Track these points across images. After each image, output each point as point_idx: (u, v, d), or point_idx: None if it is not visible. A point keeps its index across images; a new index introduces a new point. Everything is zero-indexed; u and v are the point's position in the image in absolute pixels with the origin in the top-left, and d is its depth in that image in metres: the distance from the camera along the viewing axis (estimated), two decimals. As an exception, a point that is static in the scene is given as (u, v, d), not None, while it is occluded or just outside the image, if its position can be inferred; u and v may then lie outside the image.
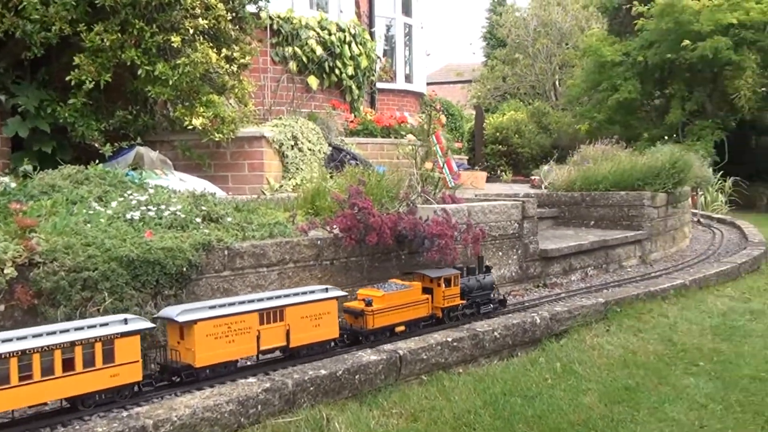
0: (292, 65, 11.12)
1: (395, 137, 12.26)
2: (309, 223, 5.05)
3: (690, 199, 9.90)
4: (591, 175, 8.05)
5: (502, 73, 23.72)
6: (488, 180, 18.13)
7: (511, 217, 6.02)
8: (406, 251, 5.27)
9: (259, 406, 3.44)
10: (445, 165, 12.75)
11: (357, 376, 3.84)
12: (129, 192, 5.25)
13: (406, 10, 16.60)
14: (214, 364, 3.63)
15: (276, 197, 6.74)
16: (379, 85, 15.48)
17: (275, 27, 10.73)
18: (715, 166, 15.64)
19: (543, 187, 9.56)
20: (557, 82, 22.97)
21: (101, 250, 3.91)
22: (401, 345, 4.19)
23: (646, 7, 17.29)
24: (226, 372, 3.71)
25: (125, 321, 3.35)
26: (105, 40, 7.30)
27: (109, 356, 3.22)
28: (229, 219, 4.99)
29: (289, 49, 11.08)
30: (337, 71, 11.62)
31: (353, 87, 12.13)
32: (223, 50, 8.47)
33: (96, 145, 7.75)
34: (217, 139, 8.38)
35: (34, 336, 3.04)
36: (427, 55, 18.03)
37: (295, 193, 6.67)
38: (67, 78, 7.32)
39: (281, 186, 8.97)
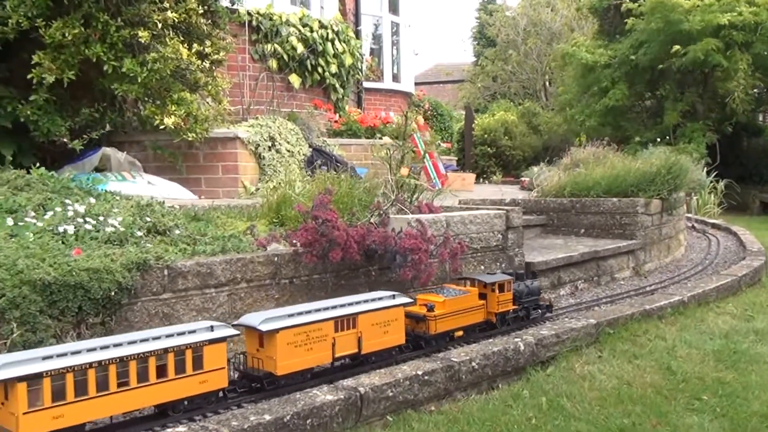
0: (273, 63, 10.48)
1: (379, 138, 11.66)
2: (269, 236, 4.43)
3: (684, 205, 9.29)
4: (582, 180, 7.43)
5: (492, 72, 23.04)
6: (477, 182, 17.53)
7: (494, 227, 5.41)
8: (376, 267, 4.65)
9: (188, 464, 2.82)
10: (432, 167, 12.14)
11: (309, 421, 3.21)
12: (70, 200, 4.61)
13: (394, 8, 15.94)
14: (294, 372, 3.59)
15: (242, 203, 6.12)
16: (366, 84, 14.85)
17: (254, 23, 10.08)
18: (707, 167, 15.07)
19: (534, 191, 8.93)
20: (548, 83, 22.33)
21: (11, 272, 3.27)
22: (364, 380, 3.56)
23: (636, 3, 16.65)
24: (302, 380, 3.66)
25: (211, 328, 3.32)
26: (67, 34, 6.69)
27: (198, 363, 3.22)
28: (177, 231, 4.36)
29: (269, 47, 10.44)
30: (319, 69, 10.98)
31: (337, 86, 11.49)
32: (195, 45, 7.85)
33: (65, 140, 7.15)
34: (189, 139, 7.77)
35: (129, 343, 3.04)
36: (415, 54, 17.39)
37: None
38: (29, 76, 6.72)
39: (257, 189, 8.35)
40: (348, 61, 11.50)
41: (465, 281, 4.81)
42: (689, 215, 11.47)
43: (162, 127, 7.54)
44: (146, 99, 7.83)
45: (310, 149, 9.40)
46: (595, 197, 7.18)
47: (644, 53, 16.52)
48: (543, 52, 21.57)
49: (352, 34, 11.79)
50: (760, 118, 20.33)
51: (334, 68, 11.21)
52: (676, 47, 15.45)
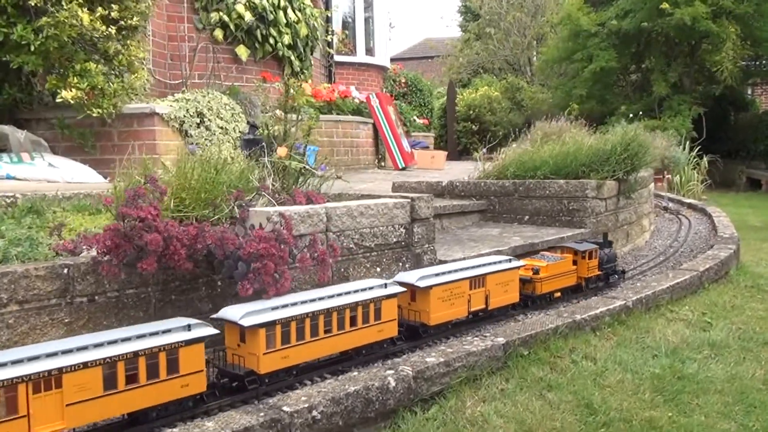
0: (218, 33, 9.28)
1: (337, 113, 10.47)
2: (79, 239, 3.26)
3: (653, 185, 8.02)
4: (528, 159, 6.17)
5: (476, 47, 21.56)
6: (459, 159, 16.30)
7: (395, 220, 4.22)
8: (222, 276, 3.48)
9: None
10: (395, 144, 10.92)
11: None
12: None
13: (367, -22, 14.65)
14: (441, 323, 3.89)
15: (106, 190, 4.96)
16: (338, 58, 13.59)
17: (197, -12, 8.88)
18: (692, 142, 13.79)
19: (476, 172, 7.69)
20: (532, 57, 20.86)
21: None
22: (133, 450, 2.42)
23: None
24: (445, 329, 3.95)
25: (385, 285, 3.57)
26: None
27: (378, 314, 3.51)
28: (-47, 233, 3.22)
29: (214, 15, 9.24)
30: (271, 40, 9.75)
31: (292, 58, 10.25)
32: (99, 9, 6.67)
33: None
34: (95, 115, 6.65)
35: (329, 297, 3.30)
36: (391, 27, 16.06)
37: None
38: None
39: (182, 171, 7.19)
40: (303, 31, 10.25)
41: (558, 249, 5.06)
42: (663, 194, 10.20)
43: (60, 101, 6.44)
44: (49, 71, 6.73)
45: (248, 126, 8.23)
46: (541, 179, 5.94)
47: (630, 21, 15.17)
48: (527, 26, 20.08)
49: (307, 2, 10.50)
50: (748, 92, 18.89)
51: (287, 39, 9.97)
52: (665, 5, 14.10)
